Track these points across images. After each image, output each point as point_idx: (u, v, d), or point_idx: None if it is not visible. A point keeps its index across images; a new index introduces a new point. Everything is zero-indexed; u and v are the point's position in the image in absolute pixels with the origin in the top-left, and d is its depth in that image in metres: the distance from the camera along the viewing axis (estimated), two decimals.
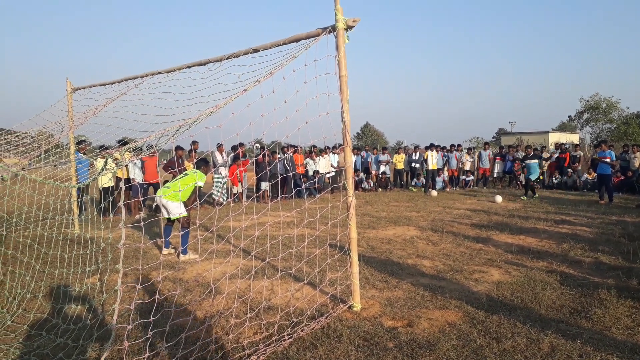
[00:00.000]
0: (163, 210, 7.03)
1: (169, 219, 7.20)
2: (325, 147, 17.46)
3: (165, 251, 7.36)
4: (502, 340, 3.83)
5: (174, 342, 3.77)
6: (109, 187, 10.67)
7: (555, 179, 18.20)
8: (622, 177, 16.01)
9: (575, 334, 3.95)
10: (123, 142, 10.26)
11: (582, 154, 19.52)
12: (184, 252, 7.00)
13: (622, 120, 46.05)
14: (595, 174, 14.75)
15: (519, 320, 4.26)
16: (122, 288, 3.07)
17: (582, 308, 4.58)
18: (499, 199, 14.17)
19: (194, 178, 6.99)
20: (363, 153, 19.80)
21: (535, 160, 15.06)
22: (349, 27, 4.35)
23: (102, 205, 9.85)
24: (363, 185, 18.38)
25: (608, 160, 13.29)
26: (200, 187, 7.04)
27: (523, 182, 16.24)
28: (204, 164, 7.32)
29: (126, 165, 11.77)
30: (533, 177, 15.01)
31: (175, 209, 6.88)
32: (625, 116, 46.55)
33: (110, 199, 4.02)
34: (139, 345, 3.78)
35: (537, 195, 14.65)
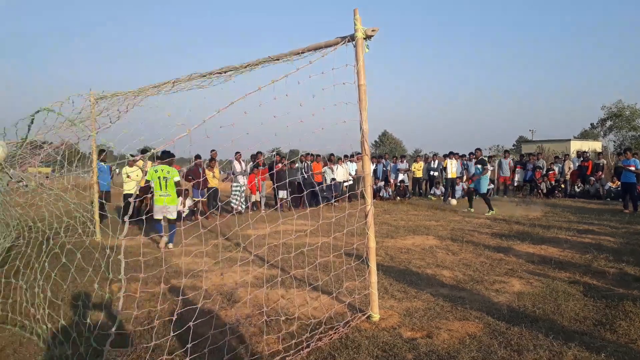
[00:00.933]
0: (160, 214, 8.38)
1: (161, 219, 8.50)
2: (343, 156, 17.45)
3: (164, 240, 8.44)
4: (524, 353, 3.76)
5: (195, 352, 3.77)
6: (132, 194, 10.79)
7: (578, 188, 17.88)
8: None
9: (600, 346, 3.86)
10: (144, 151, 10.41)
11: (605, 162, 19.15)
12: (172, 240, 8.56)
13: None
14: (620, 183, 14.45)
15: (541, 332, 4.17)
16: (140, 296, 3.11)
17: (607, 320, 4.47)
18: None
19: (173, 175, 8.30)
20: (383, 161, 19.69)
21: (479, 166, 13.62)
22: (368, 37, 4.36)
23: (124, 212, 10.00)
24: (381, 194, 18.30)
25: (633, 168, 13.02)
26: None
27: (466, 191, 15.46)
28: (167, 156, 8.31)
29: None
30: (482, 190, 13.53)
31: (175, 209, 8.45)
32: None
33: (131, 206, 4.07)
34: (159, 353, 3.79)
35: (493, 211, 12.75)
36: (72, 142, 8.30)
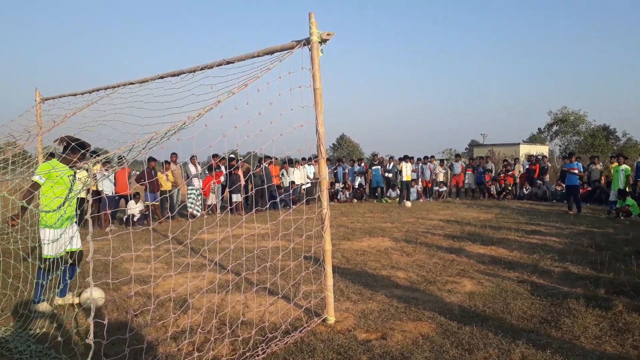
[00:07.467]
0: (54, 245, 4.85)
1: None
2: (302, 159, 17.50)
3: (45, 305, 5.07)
4: (475, 352, 3.86)
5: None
6: (81, 198, 10.39)
7: (526, 190, 18.58)
8: (590, 188, 16.44)
9: (546, 343, 4.01)
10: (94, 153, 10.02)
11: (549, 164, 20.01)
12: (64, 292, 5.34)
13: (589, 132, 47.45)
14: (564, 185, 15.11)
15: (490, 331, 4.30)
16: (93, 303, 2.99)
17: (552, 318, 4.66)
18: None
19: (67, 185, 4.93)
20: (342, 165, 19.97)
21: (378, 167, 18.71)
22: (323, 41, 4.38)
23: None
24: (339, 197, 18.44)
25: (576, 171, 13.66)
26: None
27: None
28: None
29: (95, 176, 11.51)
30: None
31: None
32: (592, 129, 47.98)
33: (79, 211, 3.91)
34: None
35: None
36: (20, 142, 7.92)
